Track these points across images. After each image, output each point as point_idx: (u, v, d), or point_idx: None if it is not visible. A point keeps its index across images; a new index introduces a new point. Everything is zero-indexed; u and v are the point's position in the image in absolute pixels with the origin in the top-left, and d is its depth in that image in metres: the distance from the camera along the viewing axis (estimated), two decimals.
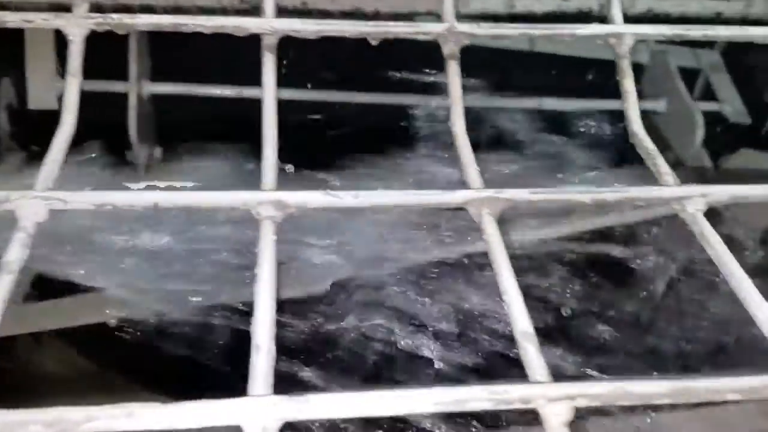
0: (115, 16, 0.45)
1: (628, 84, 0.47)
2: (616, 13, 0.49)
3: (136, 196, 0.37)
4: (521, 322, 0.32)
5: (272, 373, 0.29)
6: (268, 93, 0.44)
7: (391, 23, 0.47)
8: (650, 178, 0.43)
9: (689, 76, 1.18)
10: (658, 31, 0.49)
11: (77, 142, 0.42)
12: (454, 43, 0.47)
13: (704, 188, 0.39)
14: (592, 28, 0.48)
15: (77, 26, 0.44)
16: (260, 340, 0.30)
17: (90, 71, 0.45)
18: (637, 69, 1.19)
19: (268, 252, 0.35)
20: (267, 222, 0.37)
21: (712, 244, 0.37)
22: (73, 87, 0.44)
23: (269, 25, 0.46)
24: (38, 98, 0.94)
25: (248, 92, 0.97)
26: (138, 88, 0.97)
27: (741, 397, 0.28)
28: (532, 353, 0.31)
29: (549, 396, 0.28)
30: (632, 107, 0.46)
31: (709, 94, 1.18)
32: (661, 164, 0.42)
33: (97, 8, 0.46)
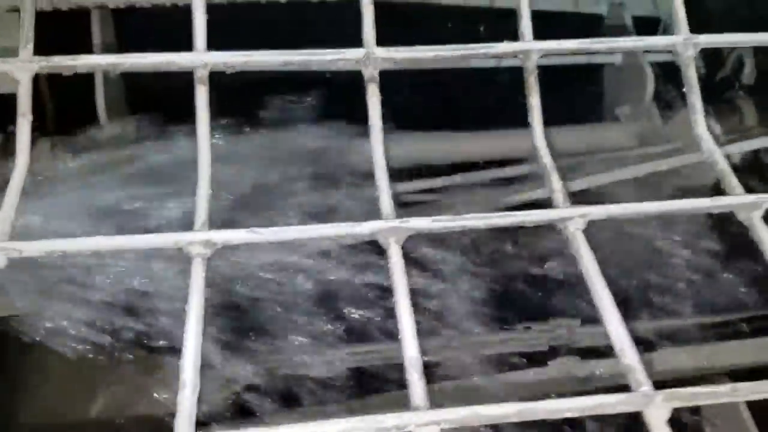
0: (56, 58, 0.49)
1: (534, 100, 0.51)
2: (526, 31, 0.52)
3: (82, 242, 0.42)
4: (410, 349, 0.38)
5: (195, 409, 0.35)
6: (202, 128, 0.48)
7: (314, 51, 0.51)
8: None
9: (650, 24, 1.19)
10: (563, 46, 0.52)
11: None
12: (373, 67, 0.51)
13: (583, 209, 0.44)
14: (501, 47, 0.52)
15: (23, 70, 0.48)
16: (186, 377, 0.36)
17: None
18: (597, 20, 1.21)
19: (198, 289, 0.41)
20: (198, 259, 0.42)
21: (584, 261, 0.42)
22: (24, 128, 0.48)
23: (200, 59, 0.50)
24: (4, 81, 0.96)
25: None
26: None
27: (576, 415, 0.34)
28: (415, 380, 0.37)
29: (418, 422, 0.34)
30: (537, 122, 0.50)
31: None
32: (554, 181, 0.47)
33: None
